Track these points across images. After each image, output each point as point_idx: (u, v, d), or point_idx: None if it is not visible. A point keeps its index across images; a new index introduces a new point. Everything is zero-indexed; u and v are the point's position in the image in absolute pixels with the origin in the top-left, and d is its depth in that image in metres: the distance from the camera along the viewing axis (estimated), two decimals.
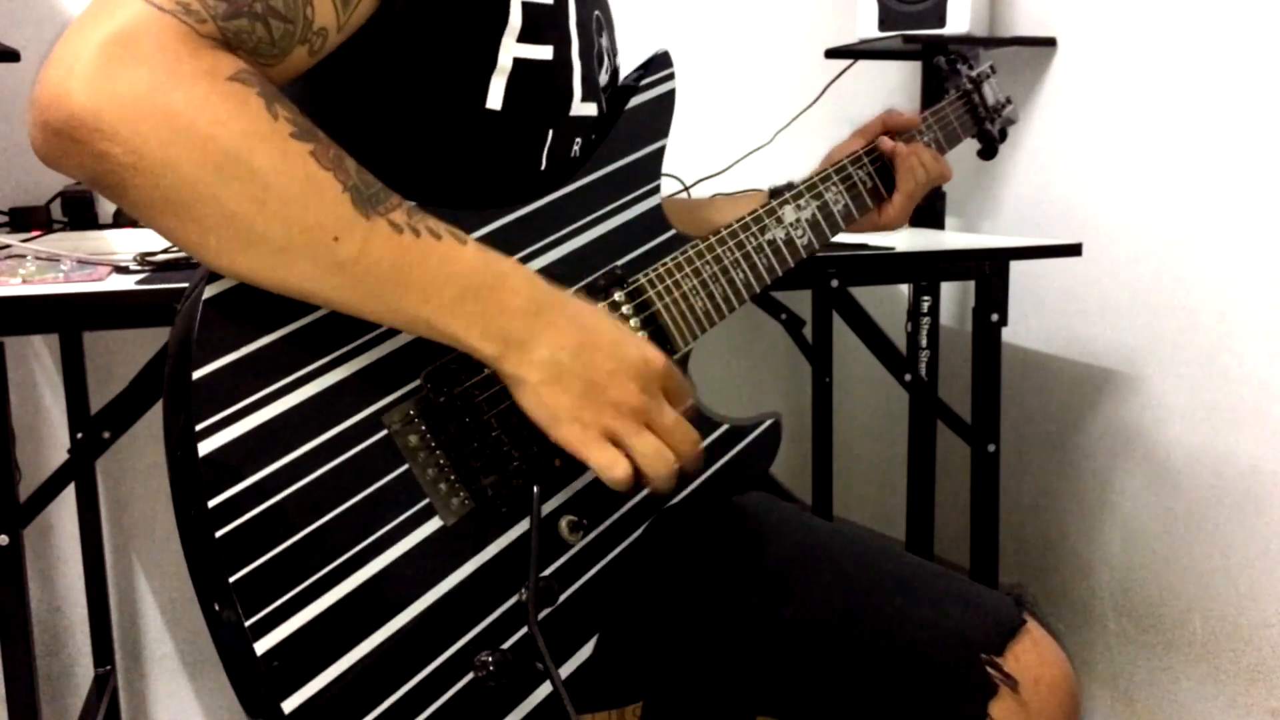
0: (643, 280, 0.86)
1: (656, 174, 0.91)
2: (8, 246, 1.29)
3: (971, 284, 1.62)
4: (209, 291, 0.67)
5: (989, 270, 1.58)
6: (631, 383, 0.71)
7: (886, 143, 1.03)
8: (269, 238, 0.62)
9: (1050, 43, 1.88)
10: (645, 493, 0.84)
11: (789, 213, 0.95)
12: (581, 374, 0.70)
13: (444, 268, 0.67)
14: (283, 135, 0.63)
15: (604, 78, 0.92)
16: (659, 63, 0.92)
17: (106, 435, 1.23)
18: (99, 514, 1.71)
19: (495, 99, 0.79)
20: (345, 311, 0.67)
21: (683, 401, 0.76)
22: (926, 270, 1.73)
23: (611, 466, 0.71)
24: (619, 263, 0.86)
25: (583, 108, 0.86)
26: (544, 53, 0.81)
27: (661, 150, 0.91)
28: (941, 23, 1.82)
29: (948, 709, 0.78)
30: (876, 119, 1.06)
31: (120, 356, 1.69)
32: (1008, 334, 1.63)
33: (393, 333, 0.72)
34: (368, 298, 0.66)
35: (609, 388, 0.70)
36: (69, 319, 1.30)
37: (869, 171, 1.03)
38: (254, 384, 0.67)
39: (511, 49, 0.79)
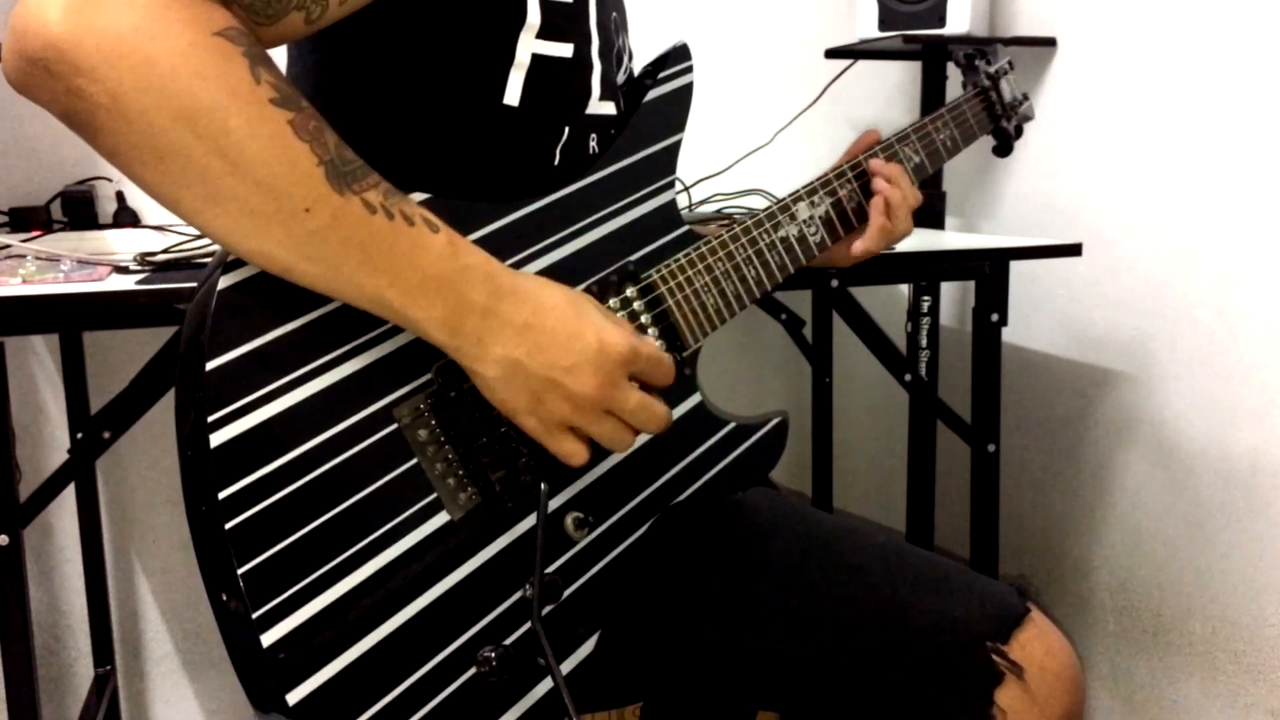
0: (655, 276, 0.85)
1: (672, 169, 0.90)
2: (8, 246, 1.28)
3: (971, 284, 1.62)
4: (224, 282, 0.66)
5: (989, 270, 1.58)
6: (590, 376, 0.71)
7: (877, 164, 0.99)
8: (239, 198, 0.61)
9: (1050, 43, 1.88)
10: (650, 492, 0.84)
11: (803, 209, 0.95)
12: (538, 371, 0.70)
13: (412, 253, 0.66)
14: (262, 99, 0.61)
15: (621, 77, 0.92)
16: (677, 55, 0.91)
17: (106, 435, 1.22)
18: (99, 514, 1.71)
19: (513, 94, 0.79)
20: (311, 285, 0.66)
21: (655, 374, 0.76)
22: (926, 270, 1.73)
23: (571, 456, 0.73)
24: (632, 258, 0.85)
25: (600, 106, 0.86)
26: (564, 50, 0.81)
27: (677, 144, 0.90)
28: (941, 23, 1.82)
29: (954, 698, 0.78)
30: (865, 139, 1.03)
31: (120, 356, 1.69)
32: (1008, 334, 1.63)
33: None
34: (333, 272, 0.65)
35: (565, 382, 0.71)
36: (69, 319, 1.30)
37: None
38: (267, 376, 0.67)
39: (530, 45, 0.78)
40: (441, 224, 0.69)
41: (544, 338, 0.70)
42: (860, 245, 0.98)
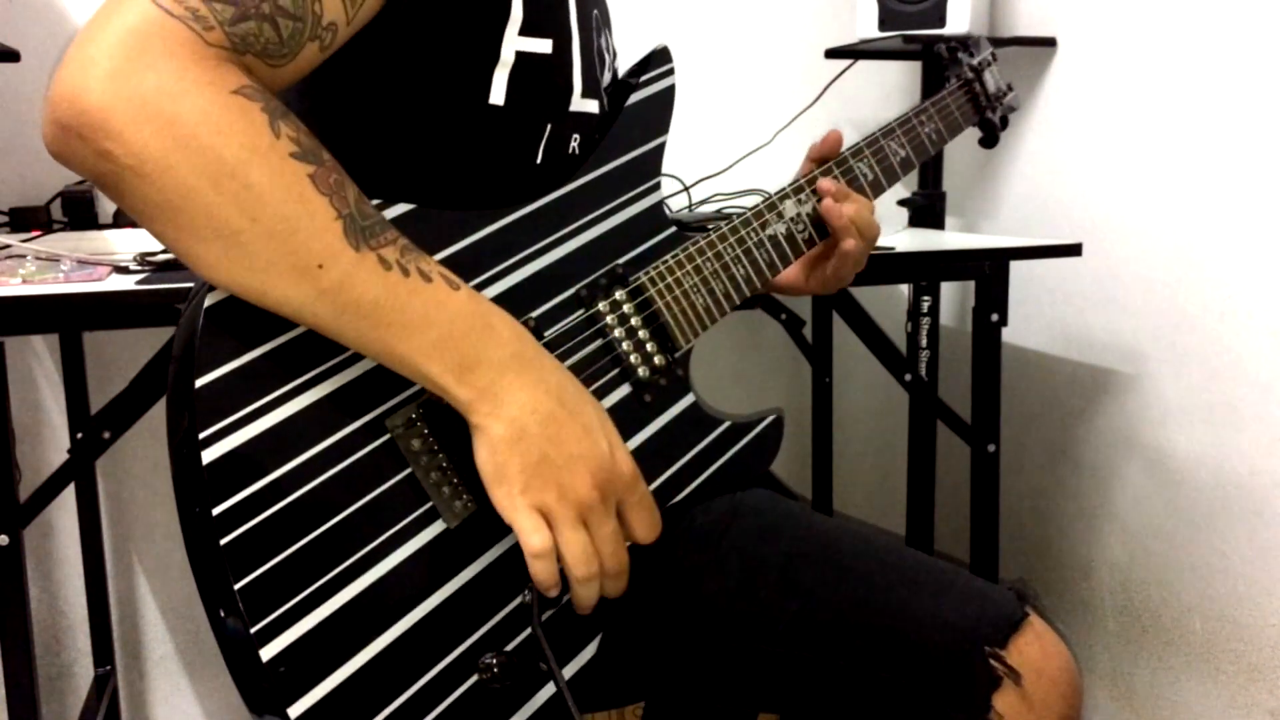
0: (644, 278, 0.86)
1: (657, 171, 0.90)
2: (8, 246, 1.28)
3: (971, 284, 1.62)
4: (210, 299, 0.66)
5: (989, 270, 1.58)
6: (588, 475, 0.69)
7: (825, 184, 0.95)
8: (255, 253, 0.62)
9: (1050, 43, 1.88)
10: (649, 490, 0.84)
11: (789, 207, 0.95)
12: (541, 445, 0.68)
13: (428, 311, 0.66)
14: (281, 154, 0.63)
15: (605, 76, 0.92)
16: (658, 58, 0.92)
17: (106, 435, 1.23)
18: (99, 514, 1.71)
19: (498, 94, 0.79)
20: (323, 334, 0.66)
21: (644, 516, 0.74)
22: (926, 270, 1.73)
23: (532, 533, 0.68)
24: (620, 261, 0.86)
25: (583, 103, 0.86)
26: (544, 46, 0.81)
27: (662, 147, 0.91)
28: (941, 23, 1.82)
29: (952, 701, 0.78)
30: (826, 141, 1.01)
31: (120, 356, 1.69)
32: (1008, 334, 1.63)
33: None
34: (345, 327, 0.66)
35: (563, 469, 0.69)
36: (69, 319, 1.30)
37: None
38: (256, 391, 0.67)
39: (513, 42, 0.79)
40: (461, 282, 0.69)
41: (560, 418, 0.69)
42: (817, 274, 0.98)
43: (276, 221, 0.62)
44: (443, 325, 0.67)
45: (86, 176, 0.62)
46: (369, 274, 0.65)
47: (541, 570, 0.69)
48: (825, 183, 0.95)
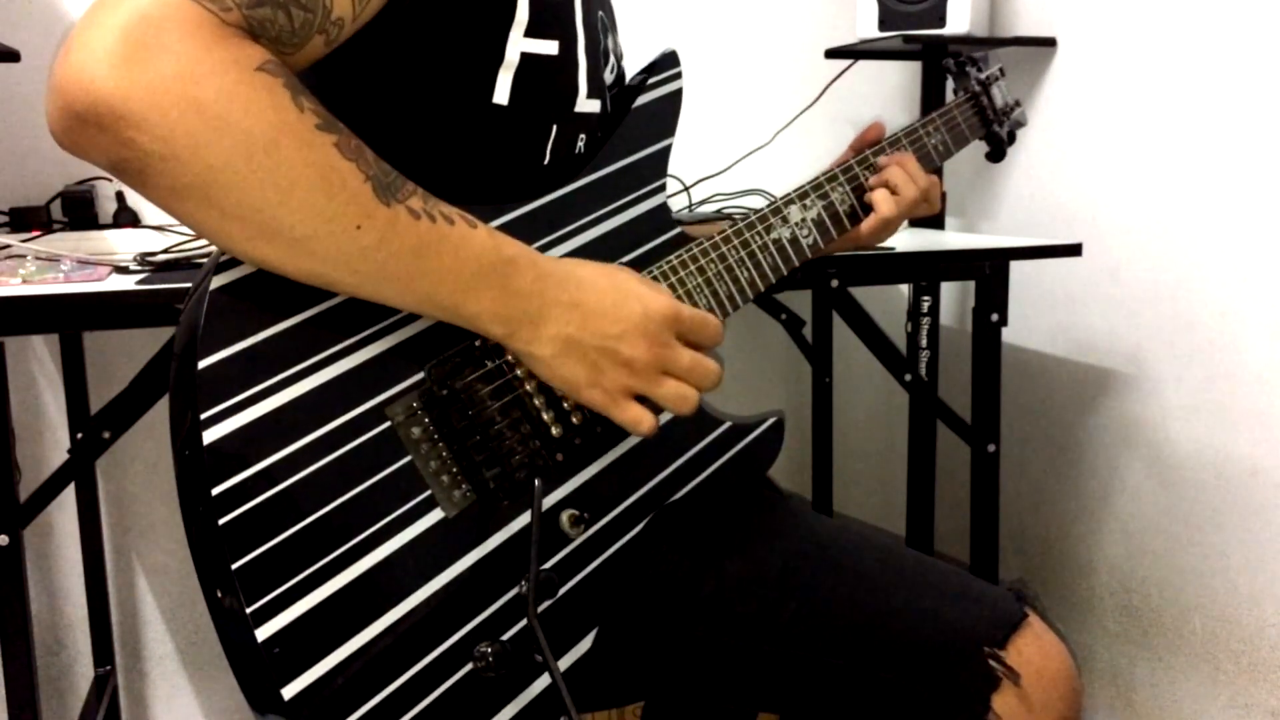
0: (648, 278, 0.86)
1: (662, 172, 0.91)
2: (8, 246, 1.29)
3: (971, 284, 1.62)
4: (216, 282, 0.67)
5: (989, 270, 1.58)
6: (640, 339, 0.75)
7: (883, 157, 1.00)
8: (292, 226, 0.63)
9: (1050, 43, 1.88)
10: (645, 490, 0.84)
11: (795, 212, 0.95)
12: (591, 342, 0.74)
13: (458, 252, 0.69)
14: (308, 126, 0.64)
15: (609, 77, 0.92)
16: (666, 62, 0.93)
17: (106, 435, 1.23)
18: (99, 514, 1.71)
19: (502, 94, 0.80)
20: (363, 297, 0.69)
21: (703, 333, 0.79)
22: (926, 270, 1.73)
23: (638, 423, 0.76)
24: (625, 260, 0.86)
25: (588, 104, 0.86)
26: (550, 47, 0.81)
27: (668, 149, 0.91)
28: (941, 23, 1.82)
29: (951, 702, 0.78)
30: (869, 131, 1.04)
31: (120, 356, 1.69)
32: (1008, 334, 1.63)
33: (398, 325, 0.72)
34: (387, 282, 0.68)
35: (620, 349, 0.74)
36: (69, 319, 1.30)
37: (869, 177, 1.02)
38: (260, 374, 0.67)
39: (519, 43, 0.79)
40: (478, 220, 0.71)
41: (591, 311, 0.74)
42: (868, 221, 0.99)
43: (310, 192, 0.63)
44: (471, 262, 0.70)
45: (103, 166, 0.62)
46: (404, 226, 0.67)
47: (652, 433, 0.77)
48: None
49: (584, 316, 0.73)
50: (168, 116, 0.59)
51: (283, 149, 0.62)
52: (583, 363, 0.74)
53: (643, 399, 0.77)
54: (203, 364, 0.66)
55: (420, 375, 0.73)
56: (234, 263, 0.68)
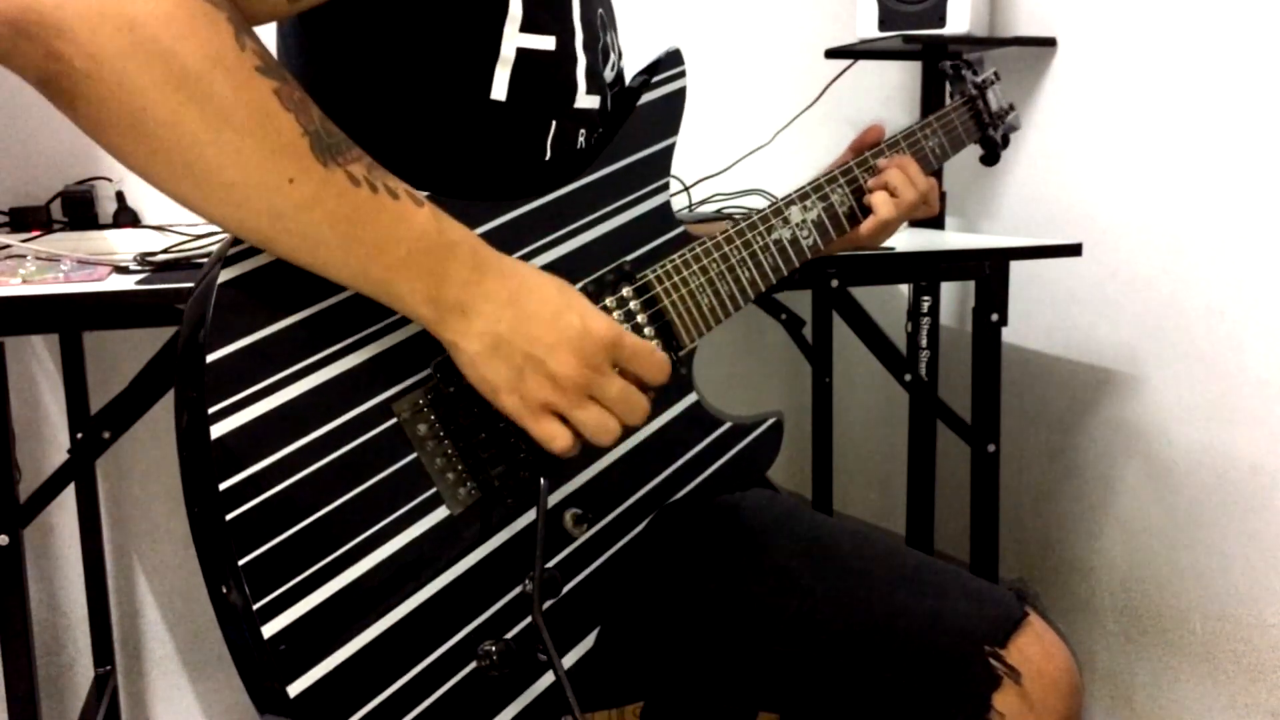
0: (650, 276, 0.86)
1: (666, 171, 0.91)
2: (8, 246, 1.29)
3: (971, 284, 1.62)
4: (223, 276, 0.67)
5: (989, 270, 1.58)
6: (571, 356, 0.70)
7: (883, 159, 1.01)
8: (221, 168, 0.60)
9: (1050, 43, 1.89)
10: (647, 490, 0.84)
11: (795, 213, 0.96)
12: (520, 346, 0.69)
13: (396, 227, 0.66)
14: (247, 67, 0.60)
15: (609, 74, 0.92)
16: (670, 61, 0.92)
17: (106, 435, 1.22)
18: (99, 514, 1.71)
19: (500, 90, 0.80)
20: (291, 258, 0.65)
21: (643, 365, 0.75)
22: (926, 270, 1.73)
23: (551, 439, 0.71)
24: (628, 258, 0.86)
25: (587, 100, 0.87)
26: (547, 43, 0.81)
27: (671, 148, 0.91)
28: (941, 23, 1.82)
29: (952, 701, 0.78)
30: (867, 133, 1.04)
31: (120, 356, 1.69)
32: (1008, 334, 1.63)
33: (405, 321, 0.72)
34: (317, 246, 0.64)
35: (547, 361, 0.70)
36: (69, 319, 1.30)
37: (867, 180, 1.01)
38: (267, 369, 0.67)
39: (514, 39, 0.79)
40: (424, 199, 0.69)
41: (527, 314, 0.70)
42: (868, 223, 0.99)
43: (242, 134, 0.59)
44: (409, 241, 0.66)
45: (32, 82, 0.58)
46: (341, 189, 0.63)
47: (567, 454, 0.72)
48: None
49: (517, 318, 0.69)
50: (98, 32, 0.55)
51: (215, 83, 0.58)
52: (507, 365, 0.69)
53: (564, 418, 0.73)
54: (211, 358, 0.65)
55: (427, 371, 0.73)
56: (241, 256, 0.67)
